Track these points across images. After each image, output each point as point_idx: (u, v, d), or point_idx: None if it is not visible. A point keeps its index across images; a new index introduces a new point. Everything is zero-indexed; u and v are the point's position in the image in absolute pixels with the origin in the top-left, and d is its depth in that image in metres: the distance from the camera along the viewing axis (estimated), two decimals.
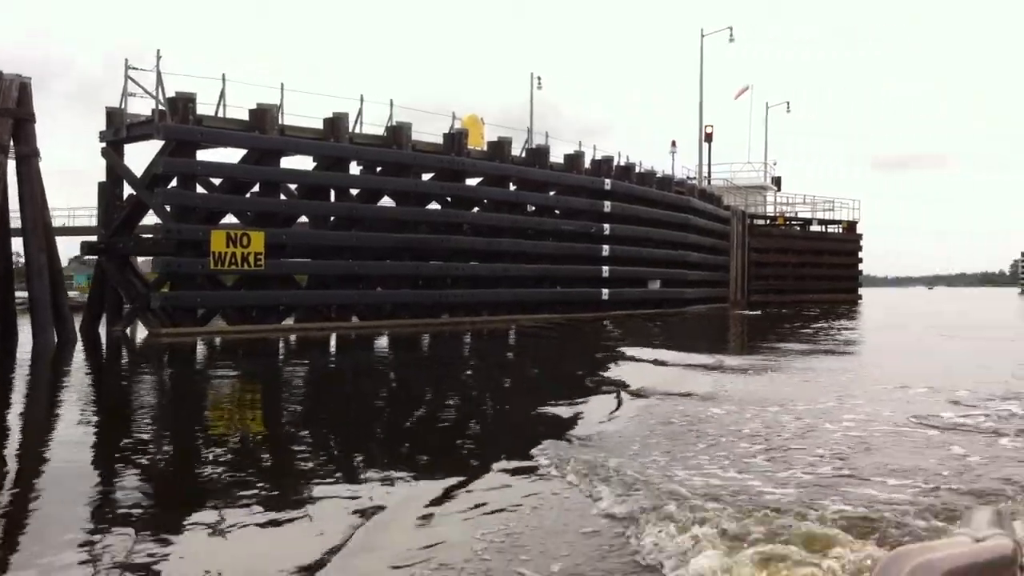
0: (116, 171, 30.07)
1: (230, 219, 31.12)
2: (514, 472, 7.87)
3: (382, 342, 27.29)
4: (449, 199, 35.54)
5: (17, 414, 12.67)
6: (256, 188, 31.04)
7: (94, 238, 30.92)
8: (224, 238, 27.80)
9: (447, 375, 18.47)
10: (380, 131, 33.59)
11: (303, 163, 32.52)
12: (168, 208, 28.11)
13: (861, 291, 73.61)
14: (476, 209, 36.57)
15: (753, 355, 21.15)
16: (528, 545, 5.62)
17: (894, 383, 14.40)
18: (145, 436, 10.84)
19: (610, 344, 24.47)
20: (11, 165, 24.82)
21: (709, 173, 63.28)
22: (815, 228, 70.26)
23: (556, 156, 40.42)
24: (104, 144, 29.95)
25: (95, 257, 31.07)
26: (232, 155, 30.62)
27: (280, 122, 30.23)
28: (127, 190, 30.26)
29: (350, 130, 32.08)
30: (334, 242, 31.39)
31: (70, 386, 16.72)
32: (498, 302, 35.92)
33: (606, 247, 40.91)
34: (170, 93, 28.07)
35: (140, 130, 28.68)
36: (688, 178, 55.67)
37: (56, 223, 31.32)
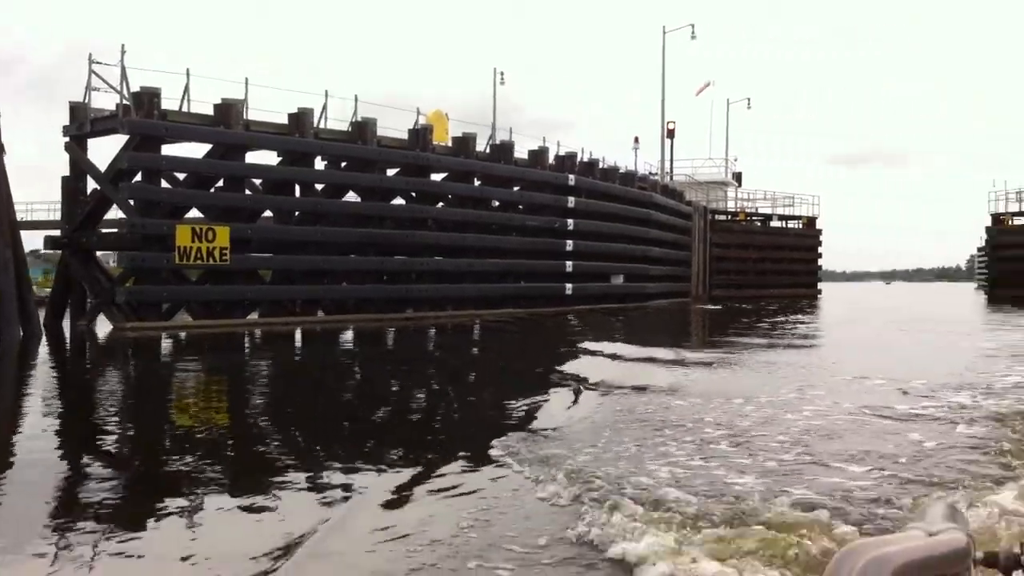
0: (80, 166, 29.93)
1: (194, 214, 31.07)
2: (474, 463, 8.05)
3: (347, 336, 27.42)
4: (414, 194, 35.64)
5: None
6: (220, 183, 30.99)
7: (55, 232, 30.82)
8: (189, 233, 27.78)
9: (411, 370, 18.63)
10: (345, 127, 33.67)
11: (268, 158, 32.56)
12: (132, 203, 28.04)
13: (820, 286, 74.51)
14: (441, 204, 36.71)
15: (715, 349, 21.51)
16: (480, 534, 5.83)
17: (853, 375, 14.79)
18: (116, 429, 10.97)
19: (573, 338, 24.74)
20: None
21: (671, 169, 63.80)
22: (775, 224, 70.96)
23: (520, 152, 40.64)
24: (67, 139, 29.82)
25: (52, 251, 30.93)
26: (197, 150, 30.59)
27: (245, 117, 30.23)
28: (91, 184, 30.14)
29: (315, 125, 32.12)
30: (299, 237, 31.41)
31: (40, 380, 16.76)
32: (463, 297, 36.09)
33: (570, 242, 41.19)
34: (135, 88, 28.01)
35: (104, 124, 28.59)
36: (651, 174, 56.02)
37: None
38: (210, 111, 29.70)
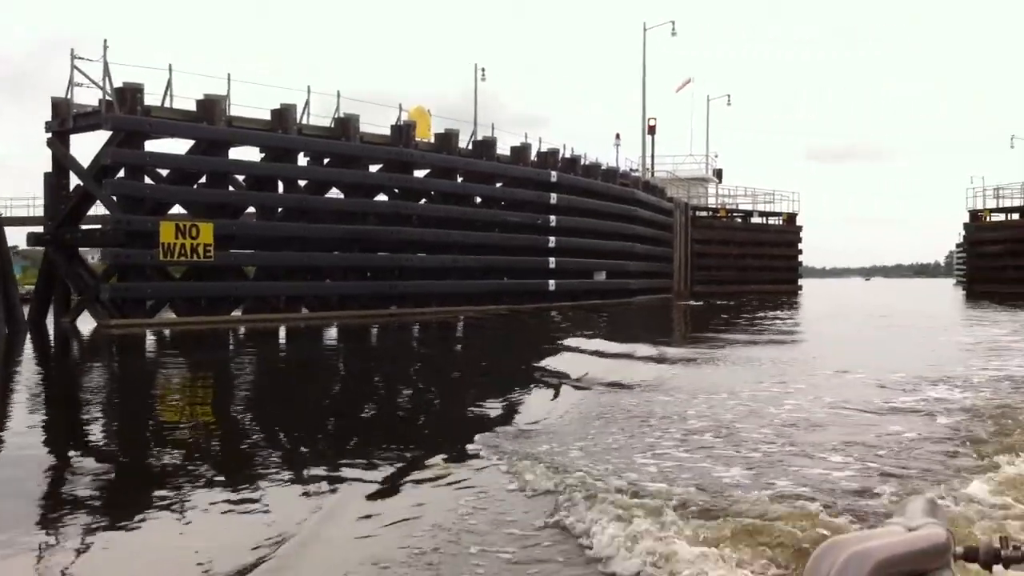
0: (62, 162, 29.91)
1: (177, 210, 31.09)
2: (456, 459, 8.13)
3: (331, 333, 27.51)
4: (397, 191, 35.73)
5: None
6: (203, 179, 31.00)
7: (37, 228, 30.80)
8: (173, 229, 27.81)
9: (395, 367, 18.76)
10: (327, 122, 33.74)
11: (250, 154, 32.58)
12: (116, 199, 28.04)
13: (801, 282, 74.91)
14: (424, 201, 36.81)
15: (697, 345, 21.71)
16: (460, 523, 5.97)
17: (834, 369, 15.01)
18: (107, 426, 11.08)
19: (556, 335, 24.85)
20: None
21: (652, 165, 64.03)
22: (756, 220, 71.30)
23: (502, 148, 40.84)
24: (50, 135, 29.78)
25: (31, 248, 30.91)
26: (179, 146, 30.61)
27: (228, 113, 30.26)
28: (73, 181, 30.11)
29: (298, 121, 32.17)
30: (283, 233, 31.47)
31: (30, 378, 16.81)
32: (446, 293, 36.20)
33: (552, 239, 41.37)
34: (117, 84, 28.02)
35: (87, 121, 28.59)
36: (632, 170, 56.22)
37: None
38: (193, 107, 29.74)
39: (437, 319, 33.02)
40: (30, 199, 53.30)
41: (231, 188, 31.80)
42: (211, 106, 29.54)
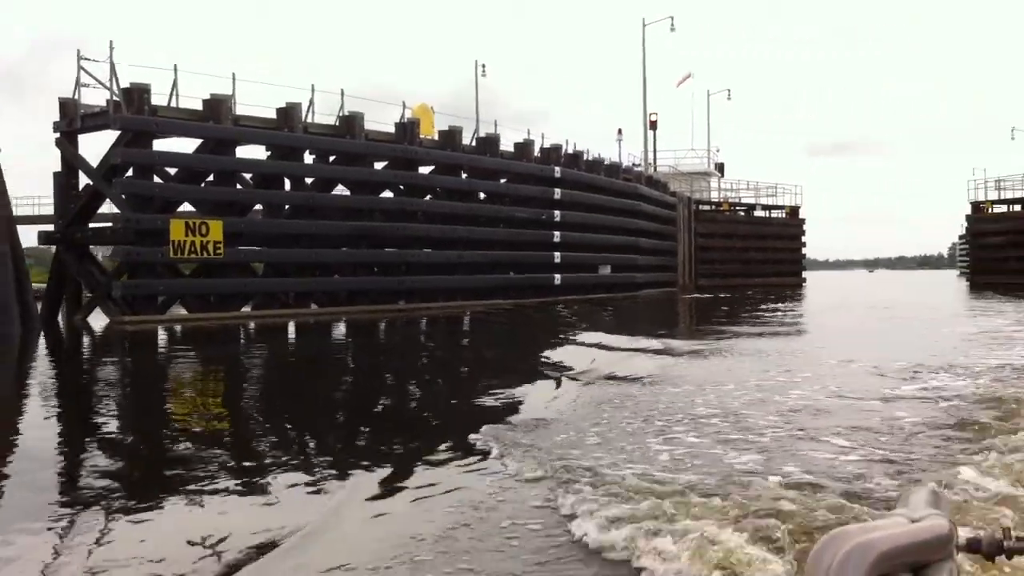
0: (71, 162, 30.21)
1: (185, 208, 31.38)
2: (461, 450, 8.25)
3: (340, 329, 27.77)
4: (402, 187, 36.01)
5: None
6: (211, 178, 31.29)
7: (47, 227, 31.10)
8: (183, 227, 28.11)
9: (403, 361, 19.01)
10: (332, 120, 34.01)
11: (256, 153, 32.87)
12: (125, 198, 28.33)
13: (805, 275, 75.12)
14: (429, 197, 37.09)
15: (703, 338, 21.94)
16: (464, 514, 6.09)
17: (839, 359, 15.26)
18: (125, 417, 11.37)
19: (563, 328, 25.11)
20: None
21: (655, 160, 64.27)
22: (759, 213, 71.55)
23: (505, 144, 41.11)
24: (58, 135, 30.10)
25: (37, 247, 31.26)
26: (186, 145, 30.89)
27: (234, 112, 30.54)
28: (82, 180, 30.42)
29: (303, 120, 32.44)
30: (292, 230, 31.78)
31: (56, 372, 17.13)
32: (453, 288, 36.49)
33: (557, 233, 41.65)
34: (123, 84, 28.31)
35: (95, 121, 28.89)
36: (634, 165, 56.49)
37: None
38: (199, 106, 30.02)
39: (444, 314, 33.29)
40: (35, 198, 53.73)
41: (238, 186, 32.10)
42: (217, 105, 29.83)
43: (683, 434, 8.69)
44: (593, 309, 35.10)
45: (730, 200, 69.94)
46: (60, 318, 30.13)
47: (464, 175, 38.34)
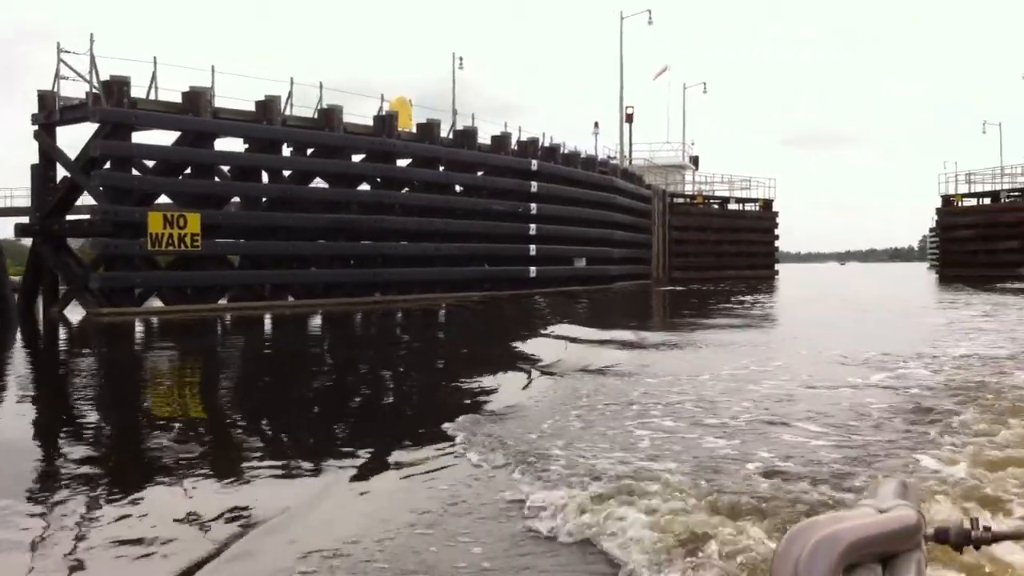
0: (49, 154, 30.20)
1: (162, 200, 31.42)
2: (433, 441, 8.38)
3: (316, 321, 27.93)
4: (380, 180, 36.14)
5: None
6: (188, 170, 31.34)
7: (22, 219, 31.12)
8: (161, 219, 28.18)
9: (376, 353, 19.17)
10: (311, 113, 34.10)
11: (234, 145, 32.92)
12: (103, 190, 28.37)
13: (777, 267, 75.80)
14: (406, 190, 37.26)
15: (677, 330, 22.31)
16: (434, 503, 6.27)
17: (810, 350, 15.66)
18: (104, 410, 11.58)
19: (537, 321, 25.35)
20: None
21: (630, 153, 64.66)
22: (733, 206, 72.10)
23: (483, 137, 41.30)
24: (36, 127, 30.07)
25: (5, 239, 31.29)
26: (165, 137, 30.95)
27: (213, 105, 30.60)
28: (60, 172, 30.43)
29: (282, 112, 32.53)
30: (269, 223, 31.87)
31: (38, 364, 17.26)
32: (430, 280, 36.69)
33: (533, 226, 41.92)
34: (103, 76, 28.31)
35: (74, 113, 28.89)
36: (610, 158, 56.83)
37: None
38: (178, 99, 30.07)
39: (420, 306, 33.49)
40: (9, 190, 53.57)
41: (216, 179, 32.17)
42: (196, 98, 29.89)
43: (659, 418, 9.04)
44: (568, 301, 35.39)
45: (704, 193, 70.48)
46: (37, 310, 30.12)
47: (442, 168, 38.51)
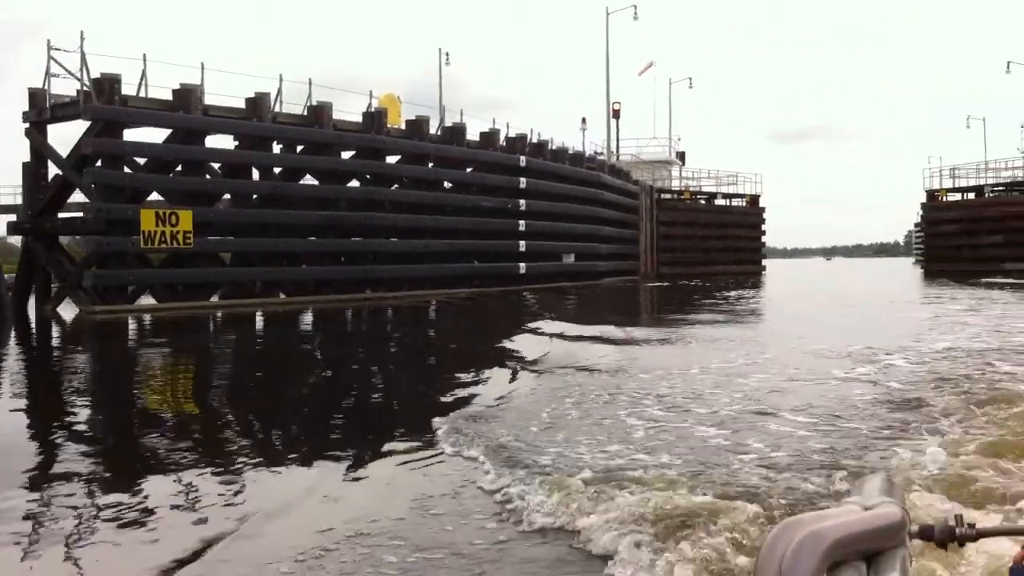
0: (41, 151, 30.30)
1: (153, 197, 31.51)
2: (421, 438, 8.53)
3: (307, 318, 28.09)
4: (369, 176, 36.28)
5: None
6: (179, 167, 31.43)
7: (10, 218, 31.24)
8: (153, 217, 28.31)
9: (366, 350, 19.39)
10: (300, 110, 34.22)
11: (225, 142, 33.05)
12: (95, 187, 28.48)
13: (764, 262, 76.13)
14: (395, 186, 37.42)
15: (666, 326, 22.56)
16: (419, 498, 6.42)
17: (797, 344, 15.95)
18: (99, 406, 11.80)
19: (527, 317, 25.48)
20: None
21: (617, 149, 64.94)
22: (720, 202, 72.38)
23: (471, 133, 41.49)
24: (27, 125, 30.17)
25: None
26: (156, 135, 31.04)
27: (203, 102, 30.72)
28: (51, 170, 30.52)
29: (272, 109, 32.66)
30: (260, 220, 32.00)
31: (36, 361, 17.44)
32: (420, 277, 36.88)
33: (522, 222, 42.11)
34: (95, 74, 28.43)
35: (65, 111, 29.01)
36: (597, 153, 57.06)
37: None
38: (168, 96, 30.17)
39: (410, 303, 33.65)
40: None
41: (207, 176, 32.26)
42: (187, 95, 30.01)
43: (651, 408, 9.33)
44: (557, 297, 35.62)
45: (691, 189, 70.76)
46: (30, 308, 30.23)
47: (431, 164, 38.68)
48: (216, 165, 32.82)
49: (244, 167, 32.58)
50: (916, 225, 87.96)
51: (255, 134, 32.23)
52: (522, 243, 42.04)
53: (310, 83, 34.63)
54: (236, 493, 6.76)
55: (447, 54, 50.31)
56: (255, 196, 32.84)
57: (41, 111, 29.57)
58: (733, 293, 38.41)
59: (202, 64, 30.90)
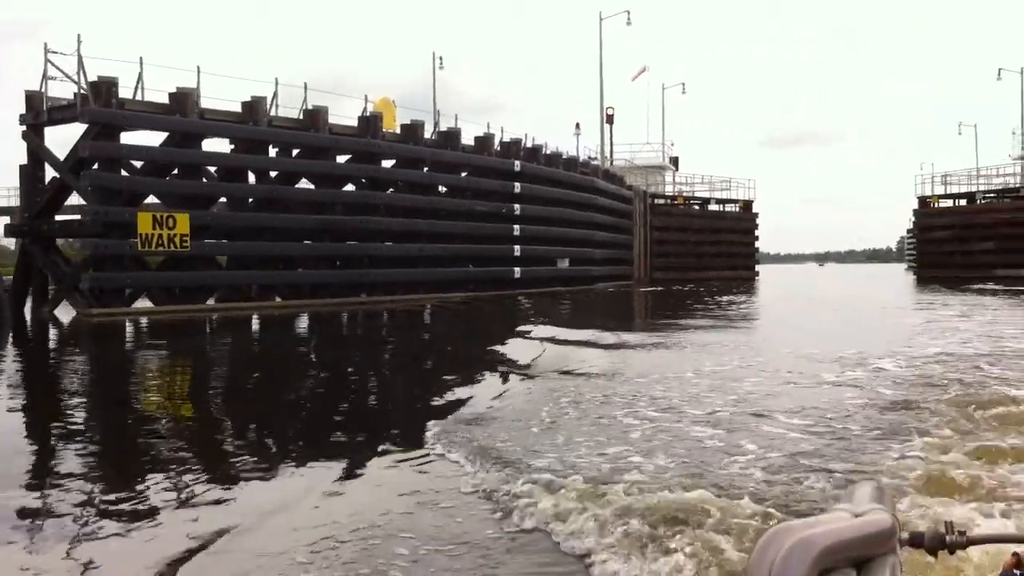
0: (38, 154, 30.42)
1: (150, 201, 31.62)
2: (413, 443, 8.56)
3: (302, 321, 28.21)
4: (365, 181, 36.42)
5: None
6: (175, 171, 31.54)
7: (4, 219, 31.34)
8: (151, 220, 28.44)
9: (361, 354, 19.51)
10: (295, 114, 34.37)
11: (221, 146, 33.17)
12: (93, 191, 28.59)
13: (757, 268, 76.40)
14: (391, 191, 37.58)
15: (660, 331, 22.75)
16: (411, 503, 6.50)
17: (790, 349, 16.12)
18: (97, 407, 11.95)
19: (522, 322, 25.57)
20: None
21: (611, 154, 65.24)
22: (713, 207, 72.61)
23: (466, 138, 41.70)
24: (24, 127, 30.28)
25: None
26: (152, 138, 31.16)
27: (199, 105, 30.85)
28: (48, 172, 30.64)
29: (268, 113, 32.79)
30: (256, 223, 32.11)
31: (35, 361, 17.57)
32: (415, 281, 37.00)
33: (517, 227, 42.30)
34: (91, 77, 28.55)
35: (62, 114, 29.13)
36: (591, 159, 57.33)
37: None
38: (165, 100, 30.30)
39: (406, 307, 33.80)
40: None
41: (204, 180, 32.39)
42: (183, 99, 30.14)
43: (645, 408, 9.52)
44: (552, 302, 35.79)
45: (685, 194, 71.03)
46: (27, 310, 30.32)
47: (425, 169, 38.84)
48: (212, 168, 32.95)
49: (240, 171, 32.70)
50: (908, 231, 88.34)
51: (251, 138, 32.35)
52: (517, 248, 42.23)
53: (305, 87, 34.88)
54: (234, 490, 6.91)
55: (441, 58, 50.45)
56: (251, 200, 32.98)
57: (38, 114, 29.68)
58: (726, 298, 38.61)
59: (198, 67, 31.08)
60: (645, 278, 60.89)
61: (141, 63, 29.84)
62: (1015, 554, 1.86)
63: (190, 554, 5.34)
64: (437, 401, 11.25)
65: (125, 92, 29.34)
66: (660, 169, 70.47)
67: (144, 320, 27.64)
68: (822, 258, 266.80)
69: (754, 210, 73.89)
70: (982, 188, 62.95)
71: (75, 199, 31.06)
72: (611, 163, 63.56)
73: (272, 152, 33.85)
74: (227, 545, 5.54)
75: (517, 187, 42.50)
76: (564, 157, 49.55)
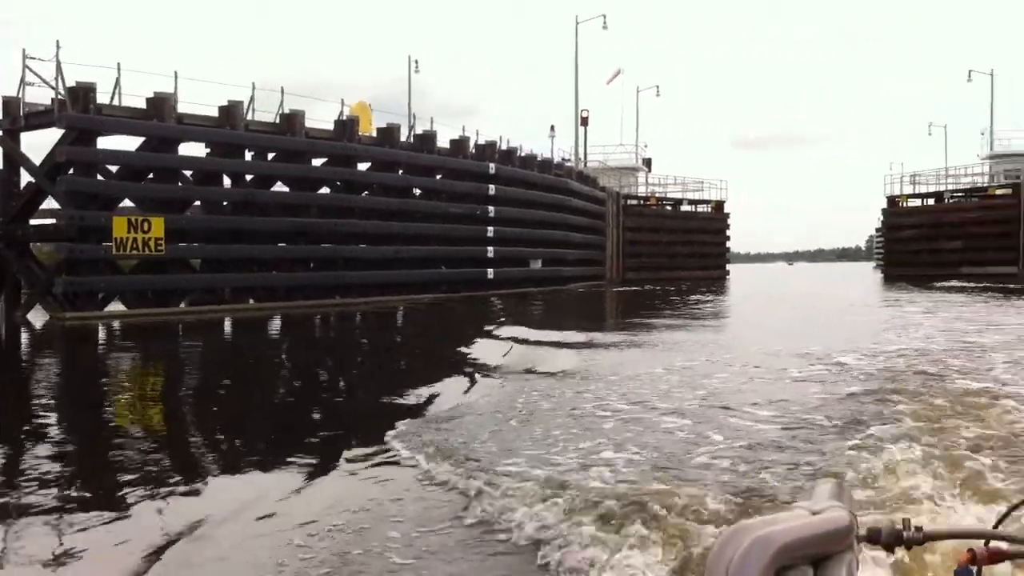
0: (14, 159, 30.46)
1: (125, 204, 31.67)
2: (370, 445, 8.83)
3: (276, 324, 28.41)
4: (340, 184, 36.60)
5: None
6: (151, 175, 31.60)
7: None
8: (126, 224, 28.54)
9: (332, 356, 19.79)
10: (271, 118, 34.52)
11: (198, 150, 33.28)
12: (67, 195, 28.63)
13: (728, 268, 76.99)
14: (366, 193, 37.81)
15: (631, 330, 23.15)
16: (374, 503, 6.74)
17: (758, 346, 16.57)
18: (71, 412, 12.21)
19: (494, 323, 25.80)
20: None
21: (585, 155, 65.63)
22: (685, 208, 73.09)
23: (441, 141, 41.94)
24: (1, 133, 30.33)
25: None
26: (129, 142, 31.23)
27: (176, 110, 30.97)
28: (24, 177, 30.67)
29: (245, 117, 32.95)
30: (232, 226, 32.22)
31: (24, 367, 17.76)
32: (389, 283, 37.15)
33: (491, 229, 42.61)
34: (69, 82, 28.65)
35: (40, 119, 29.21)
36: (565, 160, 57.71)
37: None
38: (142, 104, 30.40)
39: (379, 308, 33.99)
40: None
41: (180, 183, 32.45)
42: (160, 103, 30.25)
43: (615, 402, 9.93)
44: (524, 303, 36.13)
45: (657, 195, 71.53)
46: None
47: (401, 172, 39.06)
48: (188, 172, 33.01)
49: (216, 174, 32.84)
50: (877, 230, 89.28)
51: (228, 142, 32.51)
52: (490, 249, 42.53)
53: (282, 91, 35.03)
54: (203, 489, 7.25)
55: (416, 62, 50.73)
56: (227, 203, 33.10)
57: (15, 119, 29.76)
58: (698, 297, 39.10)
59: (175, 72, 31.20)
60: (617, 278, 61.32)
61: (119, 68, 29.99)
62: (971, 550, 1.89)
63: (169, 543, 5.69)
64: (405, 401, 11.54)
65: (103, 97, 29.46)
66: (633, 170, 70.92)
67: (117, 324, 27.74)
68: (792, 257, 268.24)
69: (726, 211, 74.48)
70: (950, 187, 63.82)
71: (49, 202, 31.05)
72: (585, 165, 63.98)
73: (248, 156, 33.98)
74: (209, 532, 5.88)
75: (491, 189, 42.79)
76: (539, 159, 49.91)
